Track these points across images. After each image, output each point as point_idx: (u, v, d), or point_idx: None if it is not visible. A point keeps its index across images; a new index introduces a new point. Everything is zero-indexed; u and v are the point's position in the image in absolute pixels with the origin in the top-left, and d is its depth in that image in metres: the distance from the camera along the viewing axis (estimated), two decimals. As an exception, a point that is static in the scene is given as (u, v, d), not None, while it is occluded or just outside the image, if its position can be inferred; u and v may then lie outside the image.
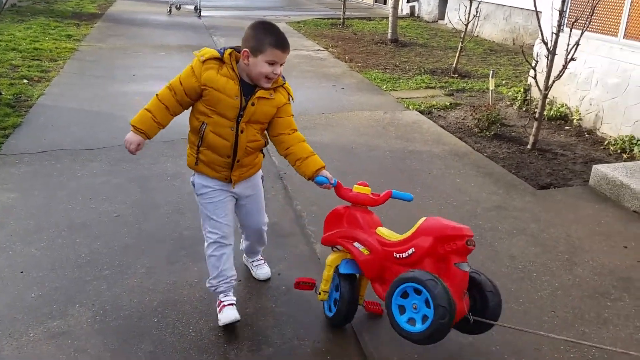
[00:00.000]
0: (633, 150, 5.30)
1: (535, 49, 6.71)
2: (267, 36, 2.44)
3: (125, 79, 7.59)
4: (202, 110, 2.54)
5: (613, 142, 5.51)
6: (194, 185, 2.72)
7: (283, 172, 4.61)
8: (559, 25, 5.20)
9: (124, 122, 5.76)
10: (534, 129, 5.37)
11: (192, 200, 4.09)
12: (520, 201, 4.32)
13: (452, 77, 8.42)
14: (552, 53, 5.18)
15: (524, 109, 6.70)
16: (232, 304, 2.75)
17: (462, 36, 8.30)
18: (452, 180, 4.66)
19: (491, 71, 6.53)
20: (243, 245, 3.17)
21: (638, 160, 4.97)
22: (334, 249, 2.77)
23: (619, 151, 5.38)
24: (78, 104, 6.36)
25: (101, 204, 4.00)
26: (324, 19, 14.89)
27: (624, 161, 5.00)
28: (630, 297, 3.16)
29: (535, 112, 5.49)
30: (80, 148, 5.04)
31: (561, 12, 5.19)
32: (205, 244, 2.74)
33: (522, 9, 10.90)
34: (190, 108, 2.64)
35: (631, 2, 5.62)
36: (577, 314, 2.99)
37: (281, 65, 2.50)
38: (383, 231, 2.61)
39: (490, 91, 6.51)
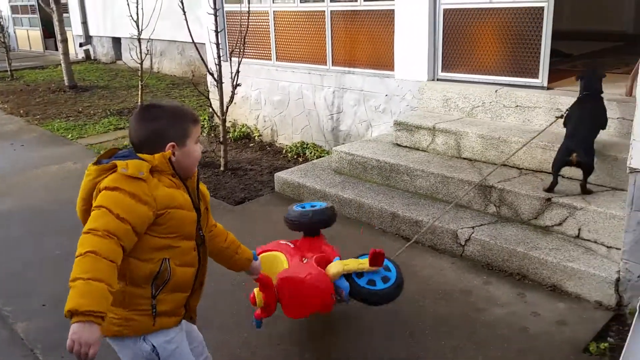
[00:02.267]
0: (305, 153, 6.22)
1: (209, 79, 7.27)
2: (183, 114, 1.89)
3: None
4: (159, 245, 1.78)
5: (289, 150, 6.37)
6: (156, 353, 1.84)
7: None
8: (219, 57, 5.77)
9: None
10: (222, 152, 5.84)
11: None
12: (222, 220, 4.61)
13: (140, 115, 8.48)
14: (219, 82, 5.72)
15: (212, 134, 7.21)
16: None
17: (139, 74, 8.45)
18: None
19: (174, 105, 6.83)
20: None
21: (310, 161, 5.86)
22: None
23: (295, 156, 6.25)
24: None
25: None
26: (-14, 73, 13.30)
27: (300, 164, 5.82)
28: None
29: (220, 137, 5.98)
30: None
31: (218, 45, 5.76)
32: None
33: (192, 43, 11.55)
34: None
35: (275, 33, 6.57)
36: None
37: None
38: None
39: (177, 124, 6.81)
